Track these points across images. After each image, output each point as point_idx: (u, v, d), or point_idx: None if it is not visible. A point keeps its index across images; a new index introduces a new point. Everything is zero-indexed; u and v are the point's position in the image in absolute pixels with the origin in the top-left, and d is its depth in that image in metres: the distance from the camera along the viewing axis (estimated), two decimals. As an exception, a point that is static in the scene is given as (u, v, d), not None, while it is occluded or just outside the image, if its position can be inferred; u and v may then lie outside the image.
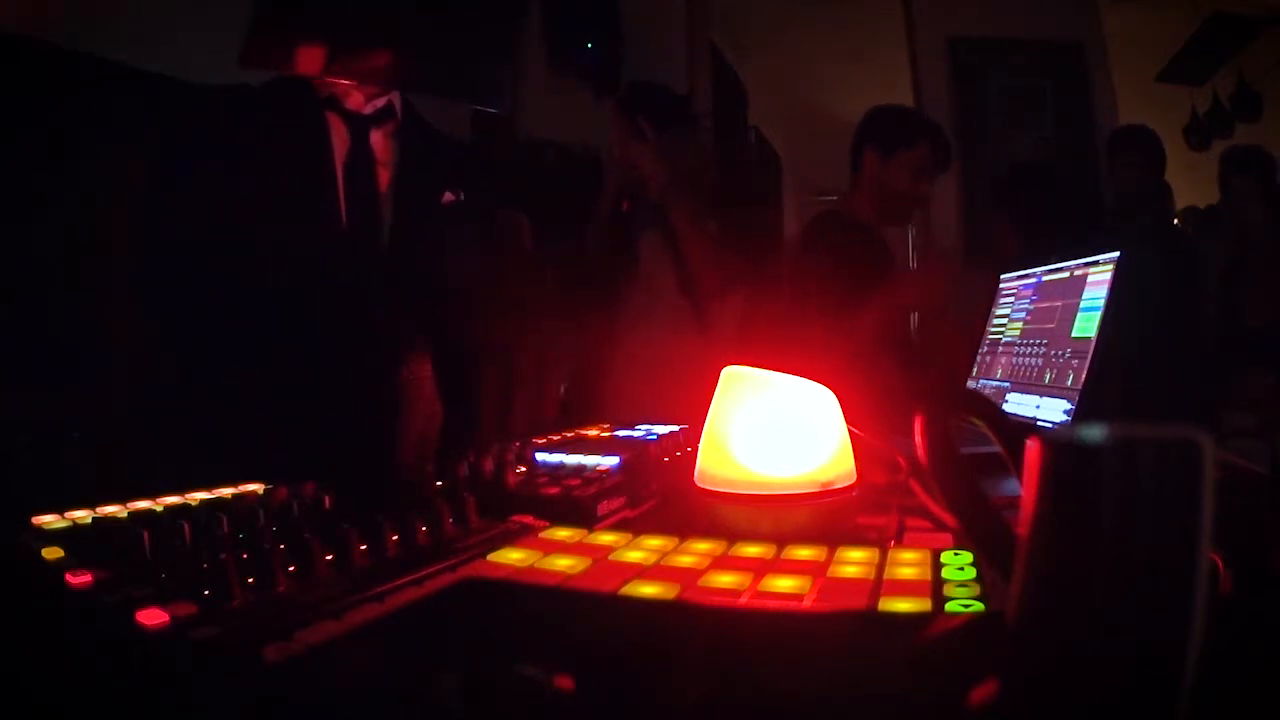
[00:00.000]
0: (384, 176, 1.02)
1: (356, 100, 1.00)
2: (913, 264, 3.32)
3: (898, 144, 1.60)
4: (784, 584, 0.36)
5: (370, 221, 0.99)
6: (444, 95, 1.15)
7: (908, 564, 0.38)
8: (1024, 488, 0.19)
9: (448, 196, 1.12)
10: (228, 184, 0.89)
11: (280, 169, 0.92)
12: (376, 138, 1.02)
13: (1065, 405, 0.87)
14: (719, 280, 1.56)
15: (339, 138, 0.98)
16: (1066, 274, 0.98)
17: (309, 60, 0.92)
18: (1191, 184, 2.66)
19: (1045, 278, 1.05)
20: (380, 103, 1.02)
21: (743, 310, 1.64)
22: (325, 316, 0.92)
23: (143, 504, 0.51)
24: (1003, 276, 1.22)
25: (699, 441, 0.52)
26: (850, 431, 0.52)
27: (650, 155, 1.49)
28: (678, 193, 1.51)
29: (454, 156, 1.16)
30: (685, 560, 0.40)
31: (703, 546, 0.42)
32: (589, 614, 0.31)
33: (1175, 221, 2.48)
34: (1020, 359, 1.04)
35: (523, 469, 0.64)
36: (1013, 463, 0.31)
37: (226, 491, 0.55)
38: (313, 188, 0.94)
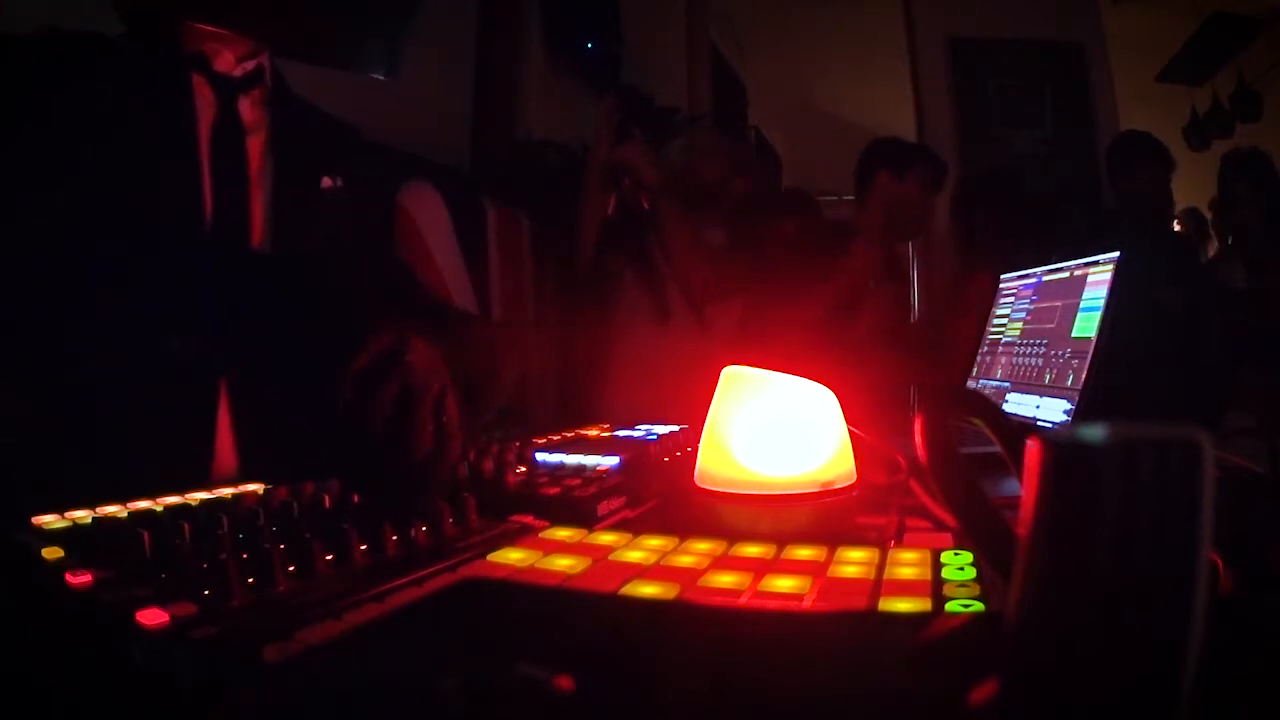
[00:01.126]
0: (254, 150, 0.90)
1: (226, 61, 0.88)
2: (914, 271, 3.35)
3: (909, 163, 1.80)
4: (784, 584, 0.36)
5: (239, 200, 0.87)
6: (320, 61, 1.02)
7: (908, 564, 0.38)
8: (1024, 488, 0.19)
9: (326, 181, 1.00)
10: (80, 149, 0.77)
11: (137, 135, 0.80)
12: (244, 106, 0.90)
13: (1065, 405, 0.87)
14: (711, 283, 1.60)
15: (204, 102, 0.86)
16: (1066, 274, 0.98)
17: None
18: (1192, 184, 2.66)
19: (1045, 278, 1.05)
20: (249, 66, 0.90)
21: (743, 310, 1.66)
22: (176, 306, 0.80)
23: (143, 504, 0.51)
24: (1003, 276, 1.22)
25: (699, 441, 0.52)
26: (850, 431, 0.52)
27: (644, 157, 1.51)
28: (668, 196, 1.53)
29: (331, 135, 1.04)
30: (685, 560, 0.40)
31: (703, 546, 0.42)
32: (589, 614, 0.31)
33: (1175, 222, 2.48)
34: (1020, 359, 1.04)
35: (523, 469, 0.64)
36: (1013, 463, 0.31)
37: (226, 491, 0.55)
38: (173, 159, 0.82)
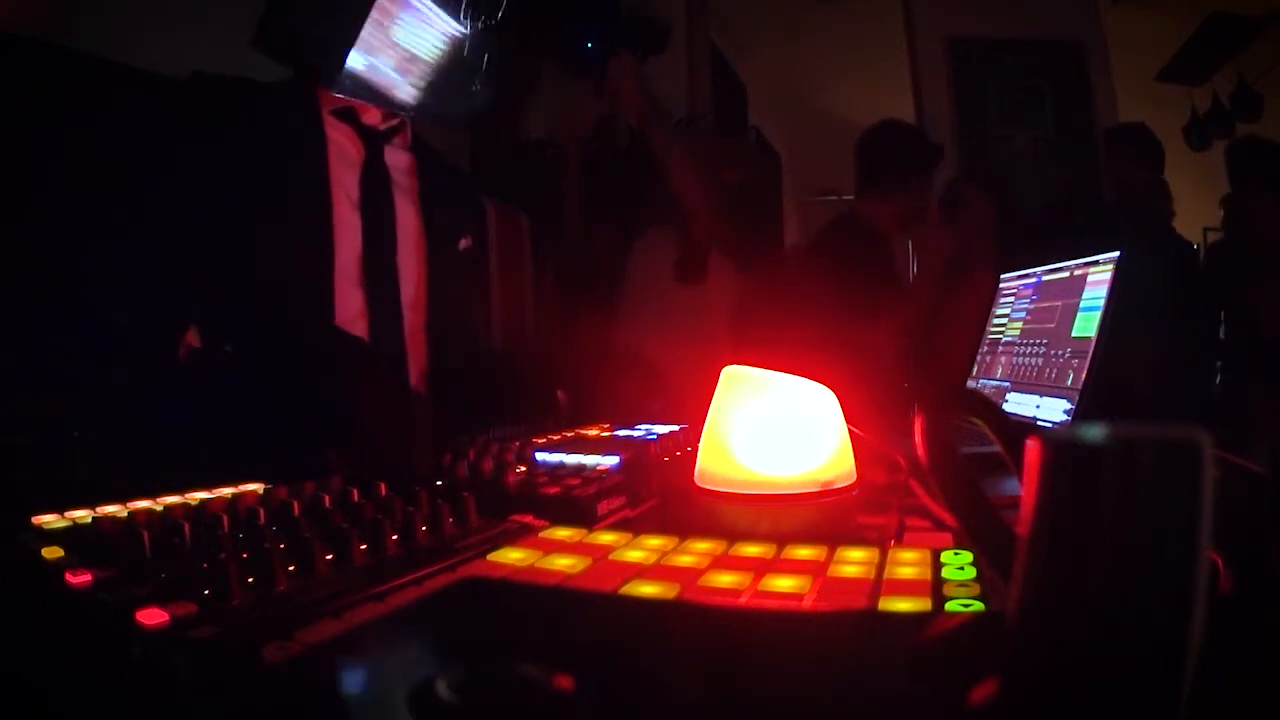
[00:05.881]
0: (405, 200, 0.98)
1: (373, 115, 0.96)
2: (913, 263, 3.34)
3: (931, 167, 1.76)
4: (784, 584, 0.36)
5: (388, 243, 0.95)
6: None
7: (908, 564, 0.38)
8: (1024, 488, 0.19)
9: (464, 242, 1.08)
10: (219, 181, 0.85)
11: (272, 173, 0.88)
12: (391, 153, 0.98)
13: (1065, 405, 0.87)
14: (715, 205, 1.52)
15: (353, 148, 0.95)
16: (1066, 274, 0.98)
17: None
18: (1192, 184, 2.66)
19: (1045, 278, 1.05)
20: (393, 121, 0.99)
21: (739, 306, 1.65)
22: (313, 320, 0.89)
23: (143, 504, 0.51)
24: (1003, 276, 1.22)
25: (699, 441, 0.52)
26: (850, 431, 0.52)
27: (630, 77, 1.44)
28: (656, 118, 1.46)
29: (468, 195, 1.13)
30: (685, 560, 0.40)
31: (703, 546, 0.42)
32: (589, 614, 0.31)
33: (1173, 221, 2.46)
34: (1020, 359, 1.04)
35: (523, 469, 0.64)
36: (1013, 463, 0.31)
37: (226, 491, 0.55)
38: (305, 198, 0.90)
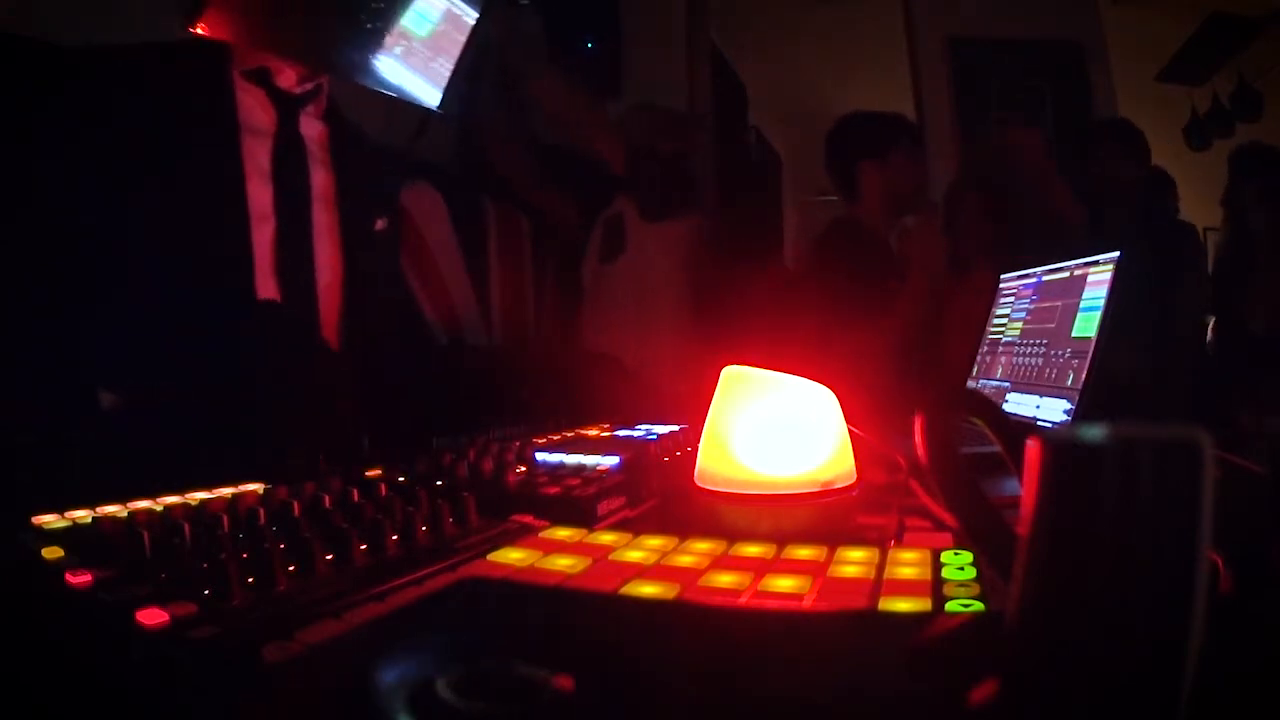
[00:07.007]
0: (321, 171, 0.91)
1: (288, 78, 0.87)
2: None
3: (887, 144, 1.69)
4: (784, 584, 0.36)
5: (303, 212, 0.88)
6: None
7: (908, 564, 0.39)
8: (1024, 488, 0.19)
9: (379, 224, 1.01)
10: (122, 154, 0.78)
11: (196, 144, 0.81)
12: (305, 121, 0.90)
13: (1065, 405, 0.87)
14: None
15: (265, 116, 0.87)
16: (1066, 274, 0.98)
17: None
18: (1192, 184, 2.65)
19: (1045, 278, 1.05)
20: (309, 85, 0.90)
21: (741, 308, 1.65)
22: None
23: (143, 504, 0.51)
24: (1003, 276, 1.22)
25: (699, 441, 0.52)
26: (850, 431, 0.52)
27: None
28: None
29: (385, 168, 1.05)
30: (685, 560, 0.40)
31: (703, 546, 0.42)
32: (589, 614, 0.31)
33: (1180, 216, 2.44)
34: (1020, 359, 1.04)
35: (523, 469, 0.64)
36: (1013, 463, 0.31)
37: (226, 491, 0.55)
38: (232, 169, 0.83)
